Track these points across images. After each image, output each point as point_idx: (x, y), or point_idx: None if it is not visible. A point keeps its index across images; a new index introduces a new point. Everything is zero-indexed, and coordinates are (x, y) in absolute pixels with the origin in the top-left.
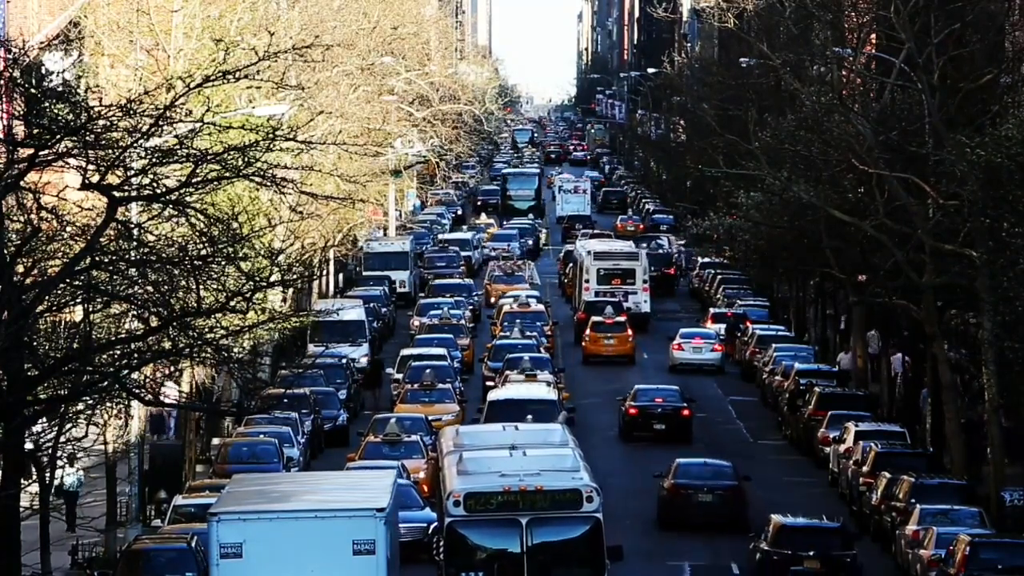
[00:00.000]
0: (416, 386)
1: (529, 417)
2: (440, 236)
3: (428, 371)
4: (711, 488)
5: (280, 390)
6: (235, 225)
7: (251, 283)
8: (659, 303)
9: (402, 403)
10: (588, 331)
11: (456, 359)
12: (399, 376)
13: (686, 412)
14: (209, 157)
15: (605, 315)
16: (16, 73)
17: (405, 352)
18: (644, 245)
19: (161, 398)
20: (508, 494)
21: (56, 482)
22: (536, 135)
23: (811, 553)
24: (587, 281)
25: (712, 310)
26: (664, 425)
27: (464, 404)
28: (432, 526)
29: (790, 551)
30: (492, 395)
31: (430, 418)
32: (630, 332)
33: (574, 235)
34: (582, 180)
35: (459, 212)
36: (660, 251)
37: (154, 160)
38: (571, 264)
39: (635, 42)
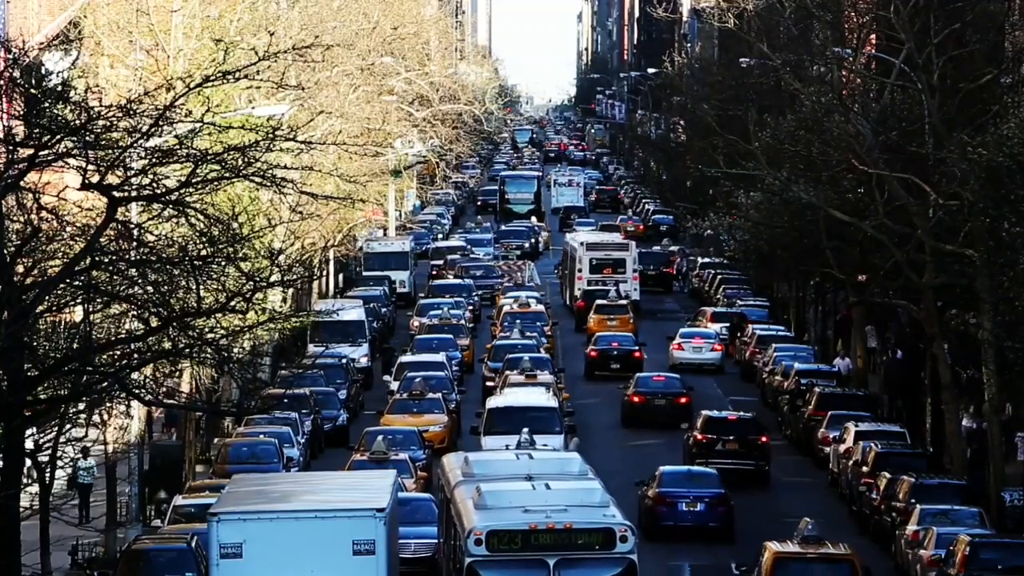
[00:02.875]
0: (405, 395)
1: (525, 430)
2: (434, 244)
3: (418, 380)
4: (664, 395)
5: (280, 390)
6: (235, 225)
7: (251, 283)
8: (659, 303)
9: (390, 413)
10: (592, 313)
11: (455, 360)
12: (395, 384)
13: (637, 354)
14: (209, 157)
15: (609, 298)
16: (16, 73)
17: (403, 359)
18: (667, 241)
19: (162, 398)
20: (535, 532)
21: (68, 475)
22: (536, 135)
23: (731, 437)
24: (580, 271)
25: (711, 309)
26: (619, 364)
27: (454, 415)
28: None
29: (715, 436)
30: (492, 402)
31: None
32: (631, 314)
33: (570, 224)
34: (576, 174)
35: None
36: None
37: (154, 160)
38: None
39: (635, 42)
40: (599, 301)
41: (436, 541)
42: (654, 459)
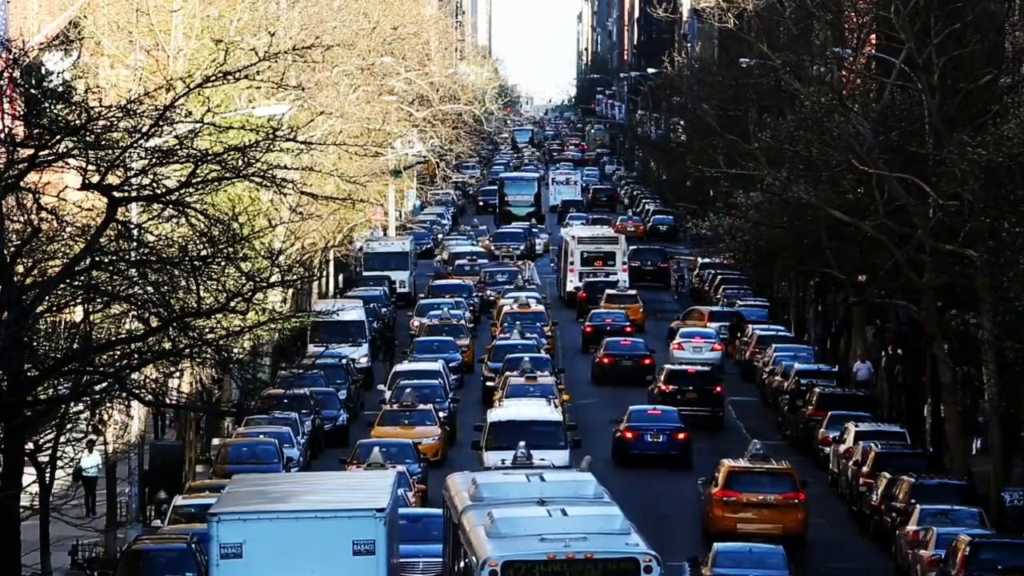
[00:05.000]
0: (395, 406)
1: (521, 444)
2: (453, 249)
3: (408, 390)
4: (630, 356)
5: (280, 390)
6: (235, 225)
7: (251, 284)
8: (659, 303)
9: (379, 425)
10: (604, 302)
11: (455, 363)
12: (388, 393)
13: (628, 329)
14: (209, 157)
15: (619, 288)
16: (16, 73)
17: (399, 368)
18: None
19: (162, 398)
20: (553, 563)
21: (73, 470)
22: (536, 135)
23: (690, 387)
24: (572, 263)
25: (708, 308)
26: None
27: (446, 427)
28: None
29: (676, 386)
30: (493, 415)
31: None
32: (640, 303)
33: (566, 217)
34: (574, 172)
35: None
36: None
37: (154, 160)
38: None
39: (635, 42)
40: (609, 291)
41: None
42: (627, 405)
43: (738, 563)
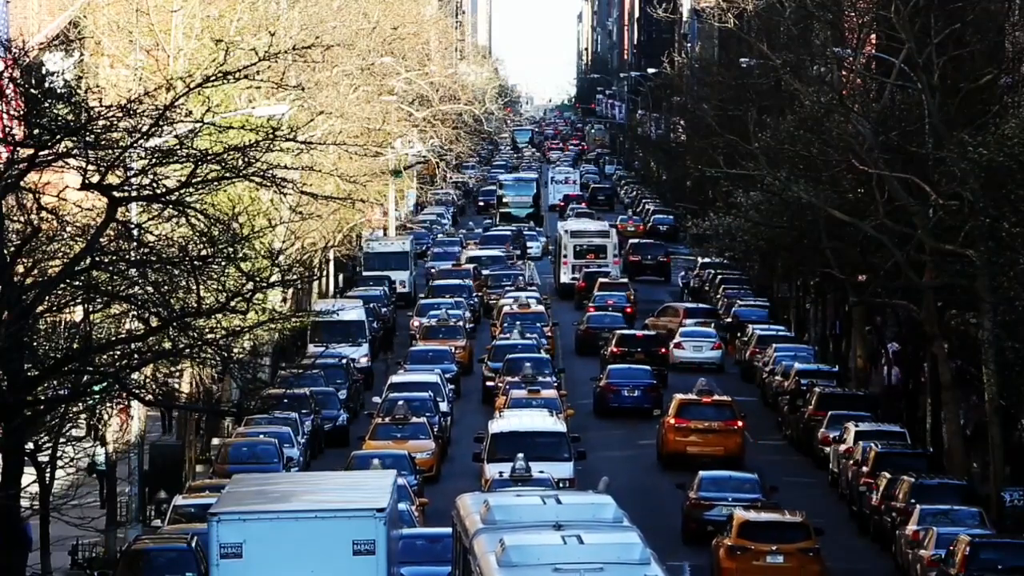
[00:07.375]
0: (387, 419)
1: (520, 456)
2: (466, 254)
3: (400, 403)
4: (609, 329)
5: (280, 390)
6: (235, 225)
7: (251, 283)
8: (656, 303)
9: (371, 439)
10: (597, 291)
11: (451, 373)
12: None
13: (629, 309)
14: (209, 157)
15: (611, 277)
16: (16, 73)
17: (394, 379)
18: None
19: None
20: None
21: (89, 460)
22: (536, 136)
23: (638, 349)
24: (565, 256)
25: (683, 305)
26: None
27: (440, 440)
28: None
29: (627, 348)
30: (495, 426)
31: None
32: (632, 291)
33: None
34: (573, 172)
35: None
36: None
37: (154, 160)
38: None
39: (635, 42)
40: (602, 280)
41: None
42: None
43: (719, 487)
